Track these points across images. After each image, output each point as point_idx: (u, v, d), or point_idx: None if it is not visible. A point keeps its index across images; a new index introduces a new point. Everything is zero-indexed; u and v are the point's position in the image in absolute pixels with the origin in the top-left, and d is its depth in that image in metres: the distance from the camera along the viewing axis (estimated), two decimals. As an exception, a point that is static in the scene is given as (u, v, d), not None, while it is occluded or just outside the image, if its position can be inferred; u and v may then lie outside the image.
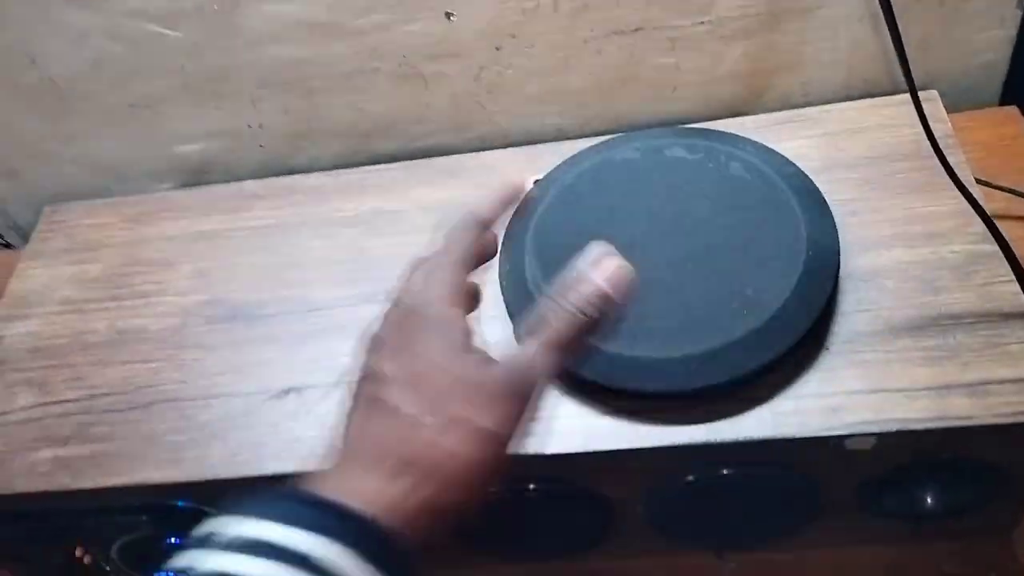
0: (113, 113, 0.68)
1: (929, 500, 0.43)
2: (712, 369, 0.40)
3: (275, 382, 0.46)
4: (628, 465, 0.41)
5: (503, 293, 0.45)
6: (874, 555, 0.47)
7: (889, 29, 0.39)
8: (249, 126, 0.70)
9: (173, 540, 0.46)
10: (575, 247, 0.44)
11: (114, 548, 0.47)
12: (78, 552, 0.47)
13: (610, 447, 0.40)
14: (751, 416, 0.40)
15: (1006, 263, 0.40)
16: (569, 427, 0.41)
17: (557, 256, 0.43)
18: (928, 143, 0.42)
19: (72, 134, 0.70)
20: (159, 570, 0.46)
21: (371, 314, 0.48)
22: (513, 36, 0.56)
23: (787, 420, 0.39)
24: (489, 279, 0.47)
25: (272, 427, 0.44)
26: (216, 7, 0.55)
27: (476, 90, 0.63)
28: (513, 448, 0.30)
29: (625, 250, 0.43)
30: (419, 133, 0.63)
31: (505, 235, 0.46)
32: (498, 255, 0.46)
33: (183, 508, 0.45)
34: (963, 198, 0.42)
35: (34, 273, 0.55)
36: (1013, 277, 0.40)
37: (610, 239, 0.44)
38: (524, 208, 0.47)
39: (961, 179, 0.40)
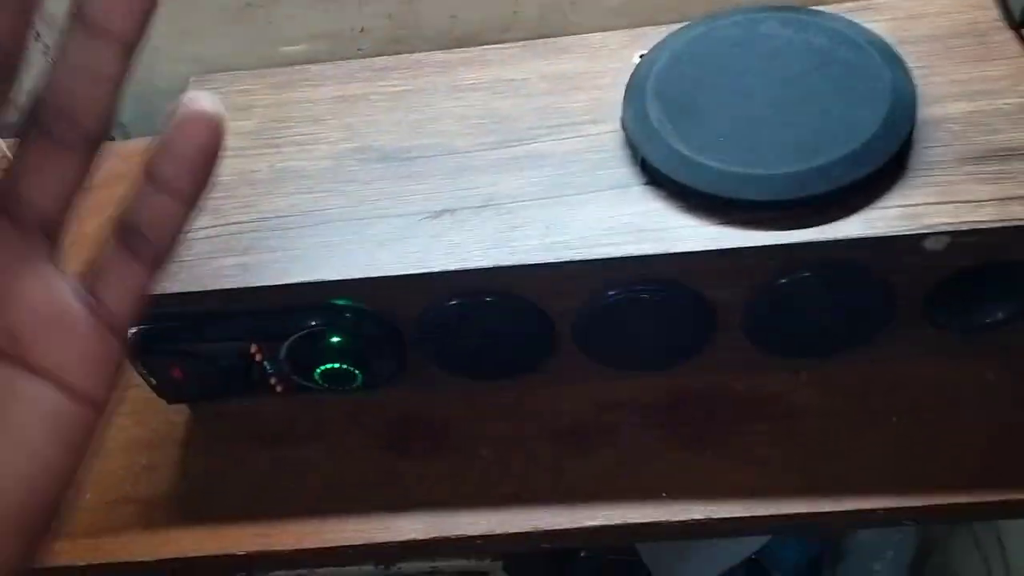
0: (228, 11, 0.75)
1: (984, 308, 0.52)
2: (816, 182, 0.48)
3: (430, 206, 0.54)
4: (739, 264, 0.49)
5: (627, 134, 0.53)
6: (926, 367, 0.56)
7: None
8: (352, 29, 0.78)
9: (333, 339, 0.53)
10: (692, 92, 0.53)
11: (284, 347, 0.54)
12: (253, 349, 0.54)
13: (724, 246, 0.49)
14: (846, 221, 0.48)
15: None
16: (685, 235, 0.49)
17: (676, 100, 0.52)
18: (981, 26, 0.52)
19: (186, 30, 0.77)
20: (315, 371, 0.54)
21: (507, 156, 0.56)
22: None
23: (875, 224, 0.48)
24: (607, 128, 0.55)
25: (433, 238, 0.52)
26: None
27: (561, 1, 0.71)
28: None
29: (733, 95, 0.52)
30: (505, 40, 0.71)
31: (627, 89, 0.55)
32: (622, 105, 0.55)
33: (350, 308, 0.52)
34: (1013, 64, 0.52)
35: (191, 128, 0.62)
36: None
37: (720, 86, 0.53)
38: (641, 68, 0.55)
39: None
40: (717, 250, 0.49)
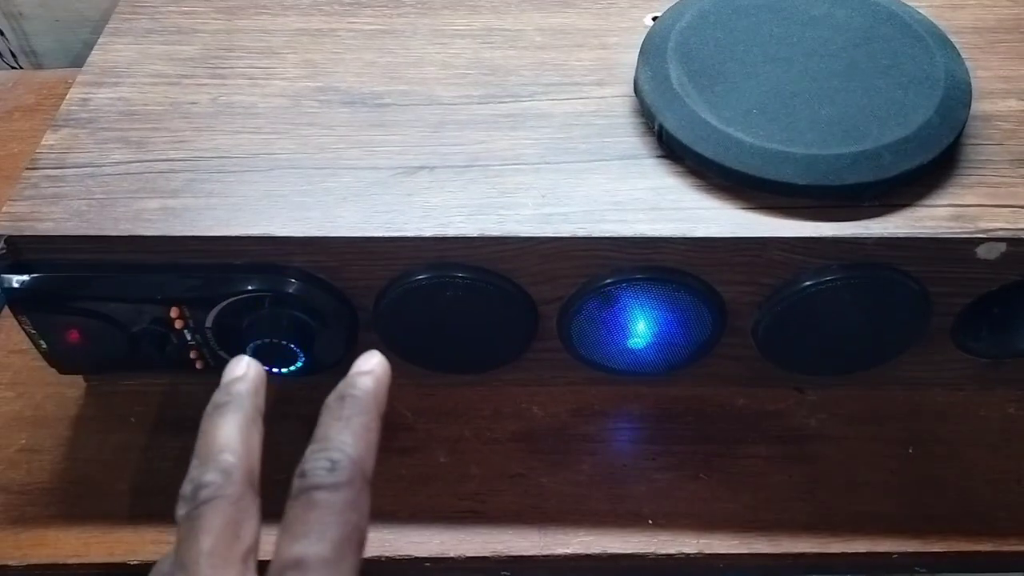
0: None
1: (1022, 331, 0.46)
2: (861, 168, 0.42)
3: (405, 160, 0.45)
4: (763, 257, 0.42)
5: (642, 99, 0.46)
6: (944, 395, 0.50)
7: None
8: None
9: (273, 309, 0.44)
10: (720, 57, 0.46)
11: (211, 314, 0.45)
12: (173, 313, 0.44)
13: (753, 235, 0.41)
14: (891, 218, 0.42)
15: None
16: (705, 217, 0.42)
17: (702, 64, 0.45)
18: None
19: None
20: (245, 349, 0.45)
21: (498, 112, 0.48)
22: None
23: (924, 223, 0.42)
24: (615, 92, 0.48)
25: (406, 197, 0.43)
26: None
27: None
28: None
29: (767, 63, 0.45)
30: None
31: (642, 50, 0.48)
32: (636, 66, 0.47)
33: (297, 272, 0.43)
34: None
35: (119, 48, 0.52)
36: None
37: (752, 53, 0.46)
38: (659, 27, 0.48)
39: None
40: (740, 238, 0.41)
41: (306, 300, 0.44)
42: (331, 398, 0.32)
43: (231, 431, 0.31)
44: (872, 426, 0.49)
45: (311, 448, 0.30)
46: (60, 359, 0.47)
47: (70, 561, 0.44)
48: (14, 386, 0.51)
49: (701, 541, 0.45)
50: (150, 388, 0.51)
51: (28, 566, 0.45)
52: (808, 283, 0.43)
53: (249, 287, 0.44)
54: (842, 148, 0.42)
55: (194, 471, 0.29)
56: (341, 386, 0.32)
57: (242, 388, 0.32)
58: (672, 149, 0.44)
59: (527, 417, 0.50)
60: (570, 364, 0.49)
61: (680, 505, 0.46)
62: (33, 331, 0.45)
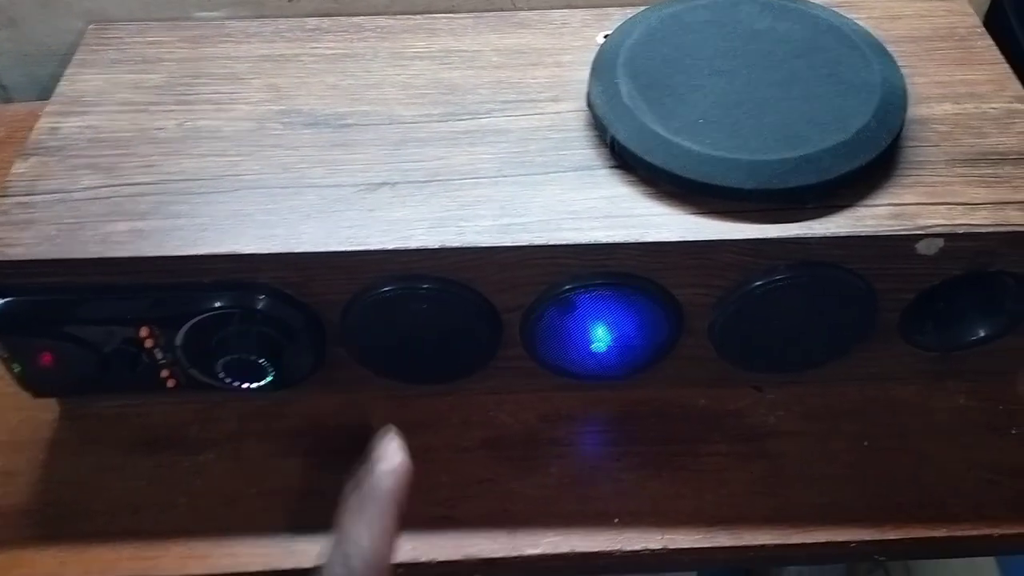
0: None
1: (965, 324, 0.48)
2: (803, 172, 0.43)
3: (367, 177, 0.47)
4: (714, 260, 0.44)
5: (595, 112, 0.48)
6: (897, 389, 0.52)
7: None
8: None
9: (241, 325, 0.45)
10: (667, 71, 0.48)
11: (181, 333, 0.45)
12: (143, 333, 0.45)
13: (702, 238, 0.43)
14: (833, 218, 0.44)
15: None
16: (657, 223, 0.44)
17: (650, 78, 0.47)
18: (960, 31, 0.49)
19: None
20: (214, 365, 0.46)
21: (456, 129, 0.50)
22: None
23: (865, 222, 0.43)
24: (569, 107, 0.50)
25: (369, 212, 0.45)
26: None
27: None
28: None
29: (712, 76, 0.47)
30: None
31: (593, 66, 0.49)
32: (588, 82, 0.49)
33: (264, 288, 0.45)
34: (995, 70, 0.49)
35: (86, 78, 0.53)
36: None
37: (698, 67, 0.48)
38: (610, 44, 0.50)
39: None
40: (691, 241, 0.43)
41: (274, 316, 0.45)
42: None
43: (368, 529, 0.32)
44: (828, 421, 0.51)
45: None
46: (34, 382, 0.48)
47: (46, 581, 0.45)
48: (-12, 411, 0.52)
49: (666, 537, 0.46)
50: (124, 409, 0.52)
51: (5, 587, 0.45)
52: (758, 283, 0.45)
53: (217, 304, 0.45)
54: (785, 153, 0.44)
55: (331, 558, 0.31)
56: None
57: (389, 483, 0.34)
58: (624, 159, 0.46)
59: (496, 424, 0.51)
60: (535, 371, 0.50)
61: (644, 504, 0.47)
62: (6, 355, 0.46)
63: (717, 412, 0.51)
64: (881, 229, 0.43)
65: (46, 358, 0.47)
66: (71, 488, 0.48)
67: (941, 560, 0.82)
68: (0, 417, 0.51)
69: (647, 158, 0.45)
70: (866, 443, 0.50)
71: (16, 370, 0.47)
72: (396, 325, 0.47)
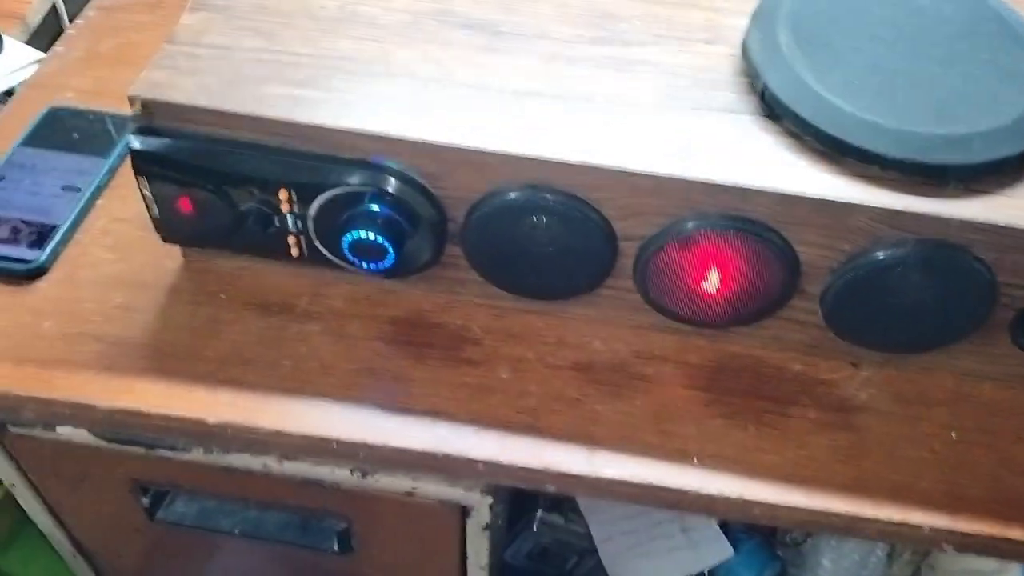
0: None
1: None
2: (952, 150, 0.43)
3: (516, 85, 0.48)
4: (843, 222, 0.44)
5: (750, 58, 0.48)
6: (996, 390, 0.51)
7: None
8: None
9: (373, 205, 0.47)
10: (829, 28, 0.47)
11: (316, 203, 0.47)
12: (282, 195, 0.47)
13: (840, 198, 0.43)
14: (973, 202, 0.43)
15: None
16: (793, 174, 0.44)
17: (811, 32, 0.47)
18: None
19: None
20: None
21: (607, 54, 0.50)
22: None
23: (1005, 211, 0.43)
24: (722, 51, 0.50)
25: (512, 117, 0.46)
26: None
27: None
28: None
29: (874, 41, 0.47)
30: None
31: (754, 13, 0.50)
32: (747, 29, 0.49)
33: (400, 174, 0.46)
34: None
35: (256, -51, 0.55)
36: None
37: (860, 29, 0.48)
38: (772, -4, 0.50)
39: None
40: (828, 199, 0.43)
41: (405, 201, 0.47)
42: None
43: None
44: (919, 407, 0.51)
45: None
46: (167, 226, 0.51)
47: (152, 411, 0.48)
48: (115, 250, 0.55)
49: (742, 486, 0.47)
50: (243, 271, 0.54)
51: (113, 410, 0.48)
52: (883, 254, 0.45)
53: (355, 181, 0.47)
54: (935, 128, 0.44)
55: None
56: None
57: None
58: (772, 108, 0.46)
59: (589, 349, 0.52)
60: (638, 305, 0.51)
61: (727, 450, 0.48)
62: (149, 194, 0.49)
63: (810, 379, 0.51)
64: (1019, 222, 0.43)
65: (185, 204, 0.49)
66: (186, 333, 0.51)
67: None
68: (126, 258, 0.54)
69: (795, 109, 0.45)
70: (953, 435, 0.50)
71: (154, 212, 0.50)
72: (516, 233, 0.48)
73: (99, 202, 0.57)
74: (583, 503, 0.89)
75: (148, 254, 0.54)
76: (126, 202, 0.56)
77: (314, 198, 0.47)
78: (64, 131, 0.61)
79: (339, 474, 0.53)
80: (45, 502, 0.64)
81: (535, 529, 0.90)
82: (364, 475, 0.52)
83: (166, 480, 0.58)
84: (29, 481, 0.62)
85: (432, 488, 0.52)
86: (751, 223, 0.45)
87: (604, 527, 0.92)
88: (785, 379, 0.52)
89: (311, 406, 0.48)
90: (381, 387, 0.50)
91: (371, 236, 0.47)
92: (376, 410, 0.49)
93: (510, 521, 0.86)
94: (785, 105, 0.45)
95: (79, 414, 0.48)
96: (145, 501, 0.59)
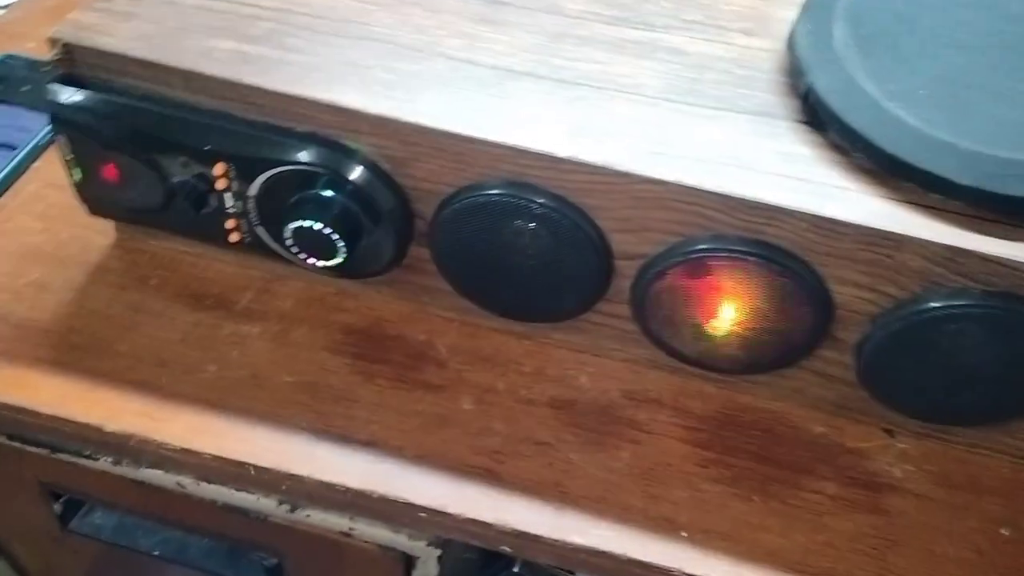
0: None
1: None
2: (1038, 182, 0.35)
3: (510, 63, 0.40)
4: (892, 260, 0.35)
5: (795, 54, 0.40)
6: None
7: None
8: None
9: (326, 191, 0.39)
10: (894, 26, 0.39)
11: (258, 181, 0.40)
12: (219, 170, 0.40)
13: (891, 228, 0.35)
14: (1058, 249, 0.35)
15: None
16: (835, 196, 0.35)
17: (872, 29, 0.39)
18: None
19: None
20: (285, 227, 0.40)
21: (624, 36, 0.42)
22: None
23: (1100, 265, 0.35)
24: (762, 44, 0.42)
25: (501, 99, 0.38)
26: None
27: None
28: None
29: (946, 44, 0.39)
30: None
31: (806, 3, 0.41)
32: (795, 21, 0.41)
33: (362, 157, 0.39)
34: None
35: None
36: None
37: (931, 28, 0.40)
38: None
39: None
40: (875, 228, 0.35)
41: (364, 190, 0.39)
42: None
43: None
44: (966, 494, 0.42)
45: None
46: (91, 195, 0.44)
47: (42, 410, 0.40)
48: (43, 219, 0.48)
49: (737, 571, 0.39)
50: (180, 256, 0.47)
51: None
52: (938, 304, 0.36)
53: (305, 159, 0.39)
54: (1015, 153, 0.35)
55: None
56: None
57: None
58: (816, 114, 0.38)
59: (572, 385, 0.44)
60: (634, 337, 0.43)
61: (723, 524, 0.40)
62: (70, 155, 0.42)
63: (834, 446, 0.43)
64: (1120, 277, 0.34)
65: (110, 171, 0.42)
66: (101, 321, 0.44)
67: None
68: (52, 228, 0.47)
69: (845, 117, 0.36)
70: (1005, 532, 0.41)
71: (76, 177, 0.43)
72: (494, 239, 0.40)
73: (36, 164, 0.50)
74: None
75: (78, 227, 0.47)
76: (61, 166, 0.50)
77: (257, 175, 0.40)
78: (13, 82, 0.54)
79: (265, 504, 0.45)
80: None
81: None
82: (293, 508, 0.44)
83: (77, 488, 0.51)
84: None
85: (371, 531, 0.44)
86: (777, 251, 0.37)
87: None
88: (802, 442, 0.43)
89: (231, 423, 0.41)
90: (318, 407, 0.42)
91: (319, 227, 0.39)
92: (308, 434, 0.41)
93: (484, 566, 0.78)
94: (832, 111, 0.37)
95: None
96: (57, 508, 0.52)
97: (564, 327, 0.44)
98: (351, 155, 0.39)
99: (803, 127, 0.38)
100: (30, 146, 0.50)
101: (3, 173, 0.48)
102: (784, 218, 0.36)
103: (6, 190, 0.48)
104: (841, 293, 0.38)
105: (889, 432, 0.44)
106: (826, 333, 0.39)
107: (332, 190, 0.39)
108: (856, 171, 0.37)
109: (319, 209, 0.39)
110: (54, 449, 0.46)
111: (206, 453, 0.39)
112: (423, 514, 0.39)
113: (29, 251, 0.46)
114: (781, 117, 0.39)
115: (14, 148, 0.50)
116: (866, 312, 0.38)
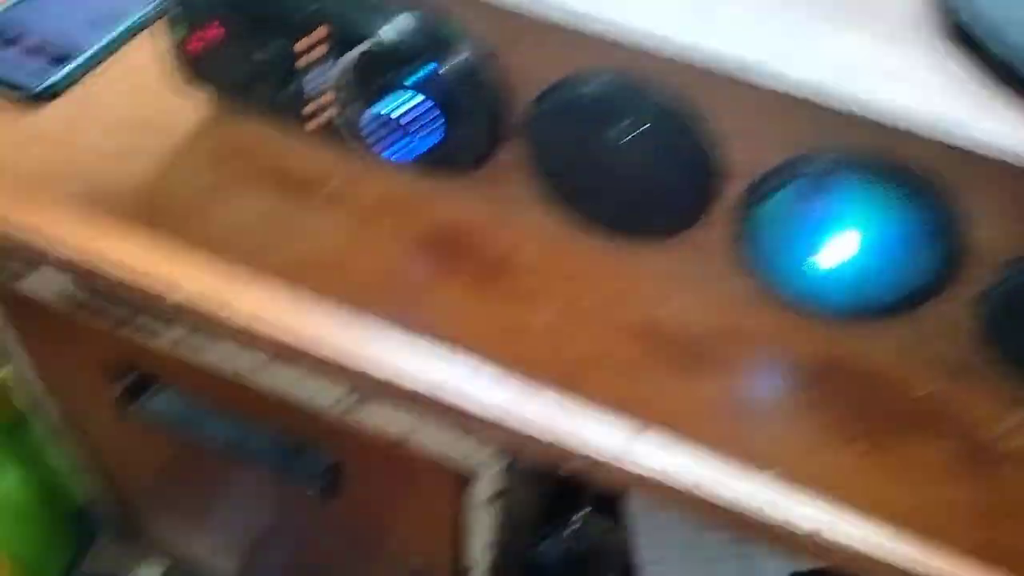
0: None
1: None
2: None
3: None
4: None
5: None
6: None
7: None
8: None
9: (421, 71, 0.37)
10: None
11: (352, 56, 0.38)
12: (317, 35, 0.38)
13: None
14: None
15: None
16: (992, 125, 0.31)
17: None
18: None
19: None
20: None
21: None
22: None
23: None
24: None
25: (620, -19, 0.35)
26: None
27: None
28: None
29: None
30: None
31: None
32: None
33: (462, 39, 0.36)
34: None
35: None
36: None
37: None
38: None
39: None
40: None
41: (460, 74, 0.37)
42: None
43: None
44: (1092, 474, 0.38)
45: None
46: (190, 58, 0.42)
47: (116, 271, 0.39)
48: (137, 91, 0.46)
49: (825, 519, 0.35)
50: (268, 139, 0.45)
51: (77, 259, 0.40)
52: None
53: (402, 36, 0.37)
54: None
55: None
56: None
57: None
58: (972, 29, 0.34)
59: (659, 311, 0.41)
60: (733, 268, 0.39)
61: (816, 467, 0.36)
62: (178, 7, 0.40)
63: (949, 408, 0.39)
64: None
65: (213, 30, 0.40)
66: (184, 192, 0.43)
67: None
68: (146, 100, 0.46)
69: (1003, 32, 0.32)
70: None
71: (178, 34, 0.41)
72: (592, 139, 0.37)
73: (138, 39, 0.50)
74: (639, 514, 0.77)
75: (170, 101, 0.46)
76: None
77: (353, 46, 0.38)
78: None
79: (325, 399, 0.44)
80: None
81: (574, 529, 0.80)
82: (357, 402, 0.43)
83: (143, 367, 0.51)
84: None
85: (430, 437, 0.43)
86: (911, 175, 0.33)
87: (657, 548, 0.80)
88: (912, 400, 0.39)
89: (304, 304, 0.39)
90: (395, 300, 0.40)
91: (410, 108, 0.37)
92: (381, 326, 0.39)
93: (549, 514, 0.76)
94: (990, 24, 0.33)
95: (38, 257, 0.41)
96: (120, 387, 0.52)
97: (658, 249, 0.41)
98: (449, 36, 0.37)
99: (956, 43, 0.34)
100: (136, 18, 0.49)
101: (104, 41, 0.48)
102: (923, 139, 0.32)
103: (106, 59, 0.48)
104: (980, 228, 0.34)
105: (1015, 399, 0.39)
106: (952, 277, 0.35)
107: (427, 71, 0.37)
108: (1011, 93, 0.33)
109: (413, 88, 0.37)
110: (121, 323, 0.46)
111: (274, 330, 0.38)
112: (485, 419, 0.37)
113: (122, 119, 0.45)
114: (931, 29, 0.35)
115: (116, 19, 0.49)
116: (1001, 255, 0.34)
